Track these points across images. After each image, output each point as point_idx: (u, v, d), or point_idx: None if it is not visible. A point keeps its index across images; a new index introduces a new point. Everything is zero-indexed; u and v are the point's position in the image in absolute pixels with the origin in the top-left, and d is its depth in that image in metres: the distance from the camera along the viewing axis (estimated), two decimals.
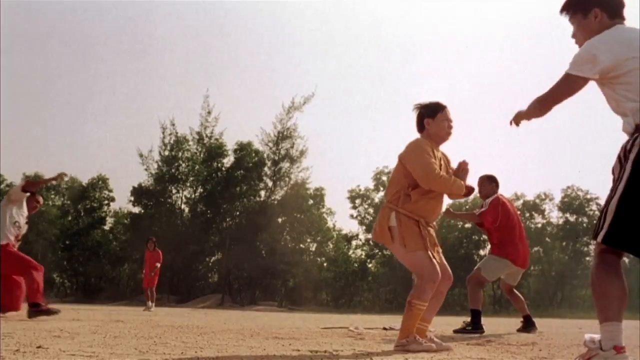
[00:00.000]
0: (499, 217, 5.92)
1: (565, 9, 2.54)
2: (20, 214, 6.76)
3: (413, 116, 3.74)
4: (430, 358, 3.07)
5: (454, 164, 3.76)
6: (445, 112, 3.64)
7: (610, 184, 2.45)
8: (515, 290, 6.16)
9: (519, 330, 5.93)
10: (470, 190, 3.64)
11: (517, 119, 2.73)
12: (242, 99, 42.40)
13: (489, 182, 6.13)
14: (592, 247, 34.69)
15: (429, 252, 3.46)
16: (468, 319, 5.92)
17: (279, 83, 46.70)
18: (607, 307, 2.34)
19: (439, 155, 3.63)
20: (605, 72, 2.39)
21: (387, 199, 3.65)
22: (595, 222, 2.48)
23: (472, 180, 4.60)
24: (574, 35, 2.54)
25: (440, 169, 3.55)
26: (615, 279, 2.35)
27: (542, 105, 2.59)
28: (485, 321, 6.06)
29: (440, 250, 3.63)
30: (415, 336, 3.42)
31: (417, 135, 3.73)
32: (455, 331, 5.68)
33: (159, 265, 13.48)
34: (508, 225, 5.93)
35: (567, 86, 2.48)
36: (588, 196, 34.49)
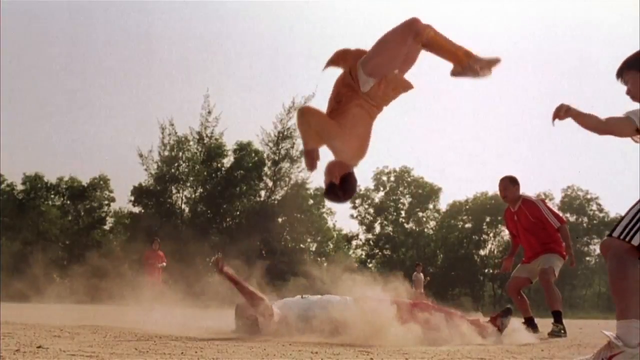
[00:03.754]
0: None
1: (620, 72, 2.79)
2: None
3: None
4: (431, 359, 3.07)
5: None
6: None
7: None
8: (522, 292, 6.17)
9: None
10: None
11: (566, 113, 2.79)
12: (242, 99, 42.47)
13: (512, 185, 5.97)
14: (592, 247, 34.66)
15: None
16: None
17: (279, 83, 46.77)
18: (632, 305, 2.40)
19: None
20: None
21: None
22: (618, 220, 2.57)
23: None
24: (628, 92, 2.76)
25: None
26: (637, 277, 2.42)
27: (592, 126, 2.78)
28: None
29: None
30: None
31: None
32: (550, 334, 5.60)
33: (164, 264, 13.86)
34: None
35: (622, 128, 2.74)
36: (588, 196, 34.50)
